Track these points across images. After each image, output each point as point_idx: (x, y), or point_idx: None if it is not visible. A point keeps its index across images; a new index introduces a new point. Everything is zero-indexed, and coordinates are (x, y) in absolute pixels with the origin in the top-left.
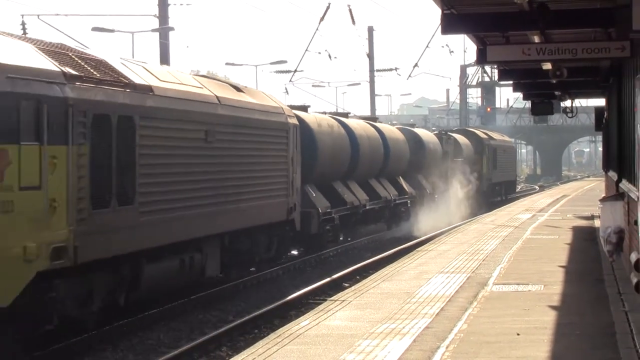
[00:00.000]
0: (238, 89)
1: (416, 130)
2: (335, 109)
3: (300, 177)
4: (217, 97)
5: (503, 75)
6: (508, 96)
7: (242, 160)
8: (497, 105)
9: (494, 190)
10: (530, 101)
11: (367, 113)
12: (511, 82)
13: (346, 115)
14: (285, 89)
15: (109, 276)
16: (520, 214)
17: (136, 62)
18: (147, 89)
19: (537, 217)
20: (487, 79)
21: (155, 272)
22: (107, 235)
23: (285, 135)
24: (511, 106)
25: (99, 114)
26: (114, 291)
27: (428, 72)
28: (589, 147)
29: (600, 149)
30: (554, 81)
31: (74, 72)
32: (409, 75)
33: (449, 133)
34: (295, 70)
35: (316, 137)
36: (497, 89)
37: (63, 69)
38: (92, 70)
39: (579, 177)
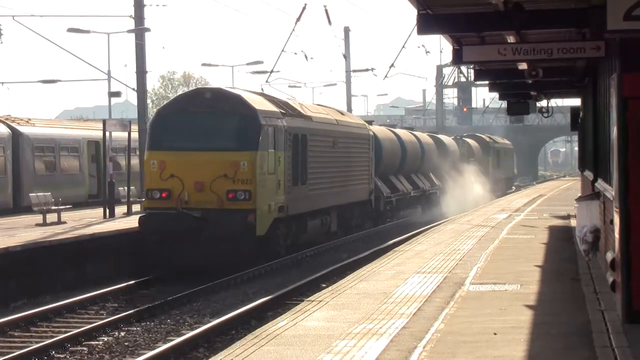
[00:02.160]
0: (342, 113)
1: (440, 136)
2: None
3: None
4: (336, 119)
5: (479, 76)
6: (484, 96)
7: (349, 159)
8: (474, 105)
9: (497, 184)
10: (506, 101)
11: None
12: (487, 82)
13: (394, 126)
14: (262, 89)
15: (296, 224)
16: (497, 214)
17: (295, 100)
18: (309, 117)
19: (514, 217)
20: (463, 79)
21: (312, 224)
22: (297, 201)
23: (368, 142)
24: (487, 106)
25: (294, 133)
26: (297, 232)
27: (404, 73)
28: (565, 147)
29: (576, 148)
30: (530, 81)
31: (283, 111)
32: (385, 76)
33: (463, 138)
34: (272, 71)
35: (381, 143)
36: (473, 89)
37: (279, 109)
38: (287, 108)
39: (555, 176)
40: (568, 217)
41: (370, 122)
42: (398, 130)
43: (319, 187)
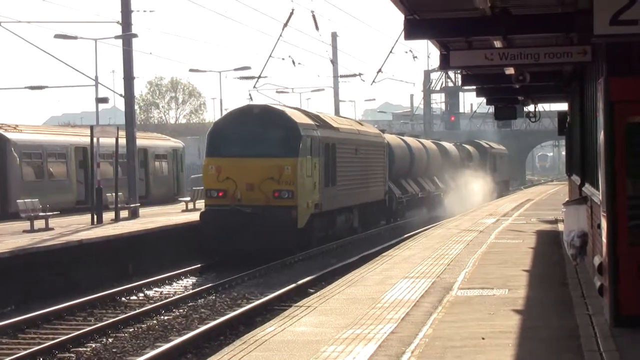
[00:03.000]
0: (361, 124)
1: (442, 142)
2: None
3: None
4: (357, 130)
5: (466, 80)
6: (472, 101)
7: (368, 164)
8: (461, 110)
9: (495, 187)
10: (493, 106)
11: None
12: (474, 87)
13: (402, 134)
14: (249, 95)
15: (327, 219)
16: (485, 219)
17: (324, 113)
18: (337, 129)
19: (501, 221)
20: (450, 84)
21: (339, 220)
22: (328, 200)
23: (383, 149)
24: (475, 111)
25: (325, 142)
26: (328, 227)
27: (392, 78)
28: (553, 152)
29: (564, 153)
30: (517, 86)
31: (317, 123)
32: (373, 81)
33: (463, 144)
34: (259, 77)
35: (393, 150)
36: (460, 93)
37: (314, 122)
38: (320, 121)
39: (543, 181)
40: (556, 221)
41: (382, 131)
42: (407, 138)
43: (346, 188)
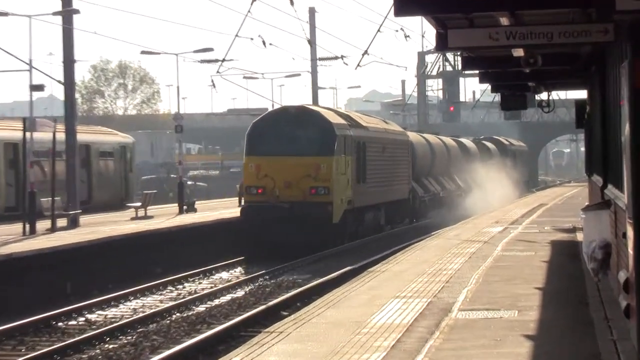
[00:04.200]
0: (386, 122)
1: (462, 139)
2: (272, 104)
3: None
4: (384, 129)
5: (467, 64)
6: (474, 88)
7: (394, 162)
8: (462, 99)
9: (515, 186)
10: (499, 94)
11: None
12: (477, 71)
13: (421, 131)
14: (212, 81)
15: (358, 215)
16: (490, 227)
17: (353, 112)
18: (366, 127)
19: (510, 230)
20: (449, 68)
21: (368, 217)
22: (359, 196)
23: (407, 148)
24: (477, 100)
25: (357, 141)
26: (358, 223)
27: (380, 61)
28: (570, 147)
29: (583, 149)
30: (527, 70)
31: (349, 123)
32: (358, 65)
33: (482, 141)
34: (224, 60)
35: (415, 148)
36: (461, 79)
37: (347, 122)
38: (351, 121)
39: (558, 182)
40: (574, 230)
41: (404, 129)
42: (427, 136)
43: (375, 186)
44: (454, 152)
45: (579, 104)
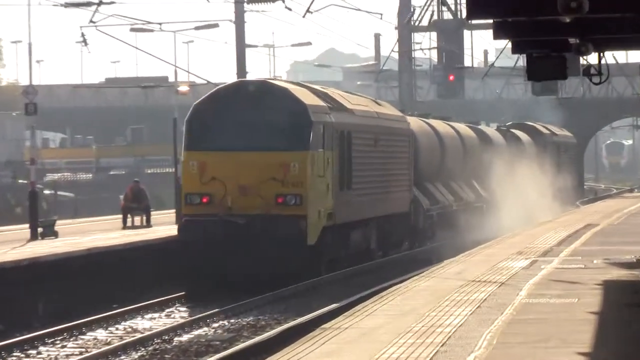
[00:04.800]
0: (378, 103)
1: (482, 127)
2: (174, 71)
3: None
4: (376, 112)
5: (476, 10)
6: (486, 46)
7: (390, 160)
8: (467, 64)
9: (560, 196)
10: (525, 55)
11: (230, 76)
12: (491, 20)
13: (426, 115)
14: (82, 35)
15: (340, 235)
16: (509, 260)
17: (333, 90)
18: (352, 111)
19: (540, 264)
20: (448, 16)
21: (354, 237)
22: (343, 208)
23: (408, 139)
24: (492, 64)
25: (340, 130)
26: (341, 245)
27: (341, 5)
28: (633, 138)
29: None
30: (567, 20)
31: (330, 105)
32: (307, 11)
33: (511, 129)
34: (100, 2)
35: (418, 140)
36: (466, 33)
37: (326, 103)
38: (331, 101)
39: (615, 190)
40: (638, 264)
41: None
42: (432, 122)
43: (363, 194)
44: (472, 145)
45: None
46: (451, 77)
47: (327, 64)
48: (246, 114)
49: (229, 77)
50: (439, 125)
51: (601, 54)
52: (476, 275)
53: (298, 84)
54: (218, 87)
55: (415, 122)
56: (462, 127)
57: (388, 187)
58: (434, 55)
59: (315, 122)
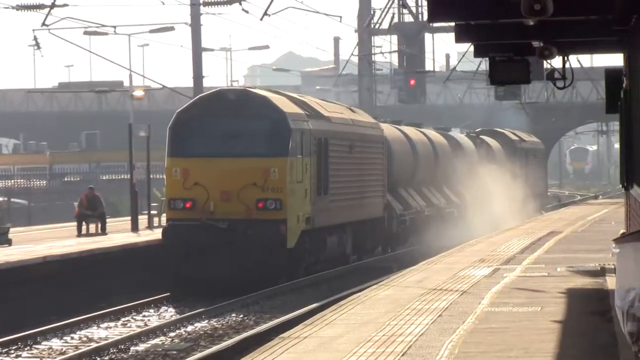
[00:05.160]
0: (352, 110)
1: (453, 134)
2: (129, 75)
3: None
4: (351, 119)
5: (438, 12)
6: (448, 49)
7: (364, 166)
8: (429, 67)
9: (527, 203)
10: (487, 59)
11: (187, 80)
12: (453, 23)
13: (399, 122)
14: (35, 38)
15: (318, 239)
16: (471, 268)
17: (310, 98)
18: (328, 118)
19: (502, 272)
20: (409, 18)
21: (330, 242)
22: (321, 213)
23: (382, 146)
24: (454, 68)
25: (317, 137)
26: (319, 249)
27: (300, 7)
28: (597, 143)
29: (617, 145)
30: (532, 22)
31: (307, 112)
32: (265, 13)
33: (480, 135)
34: (54, 5)
35: (391, 147)
36: (427, 36)
37: (304, 111)
38: (309, 109)
39: (579, 197)
40: (602, 272)
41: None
42: (405, 128)
43: (339, 199)
44: (444, 152)
45: (612, 75)
46: (412, 82)
47: (285, 67)
48: (227, 122)
49: (185, 81)
50: (411, 132)
51: (565, 58)
52: (437, 284)
53: (277, 92)
54: (200, 95)
55: (388, 129)
56: (434, 134)
57: (363, 193)
58: (394, 59)
59: (294, 129)
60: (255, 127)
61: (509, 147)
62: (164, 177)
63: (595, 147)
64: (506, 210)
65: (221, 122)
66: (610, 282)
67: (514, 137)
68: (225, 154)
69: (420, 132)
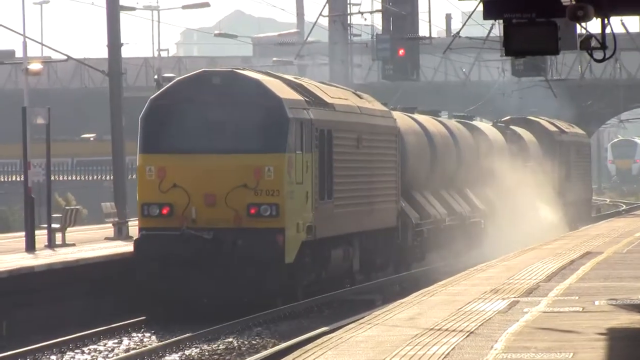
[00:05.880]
0: (358, 96)
1: (478, 124)
2: (23, 41)
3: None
4: (358, 106)
5: None
6: (449, 9)
7: (375, 164)
8: (423, 33)
9: (569, 211)
10: (501, 22)
11: (100, 50)
12: None
13: (412, 109)
14: None
15: (321, 252)
16: (481, 301)
17: (308, 80)
18: (332, 106)
19: (522, 306)
20: None
21: (335, 256)
22: (324, 221)
23: (395, 139)
24: (457, 34)
25: (320, 129)
26: (321, 265)
27: None
28: None
29: None
30: None
31: (307, 99)
32: None
33: (511, 126)
34: None
35: (405, 141)
36: None
37: (303, 97)
38: (309, 95)
39: (624, 207)
40: None
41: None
42: (420, 117)
43: (346, 204)
44: (466, 146)
45: None
46: (401, 52)
47: (231, 32)
48: (212, 110)
49: (98, 51)
50: (428, 122)
51: (606, 20)
52: (435, 322)
53: (269, 73)
54: (178, 78)
55: (400, 119)
56: (455, 125)
57: (373, 197)
58: (377, 21)
59: (293, 119)
60: (246, 116)
61: (546, 141)
62: (111, 177)
63: None
64: (546, 220)
65: (204, 111)
66: None
67: (552, 128)
68: (209, 150)
69: (439, 122)
